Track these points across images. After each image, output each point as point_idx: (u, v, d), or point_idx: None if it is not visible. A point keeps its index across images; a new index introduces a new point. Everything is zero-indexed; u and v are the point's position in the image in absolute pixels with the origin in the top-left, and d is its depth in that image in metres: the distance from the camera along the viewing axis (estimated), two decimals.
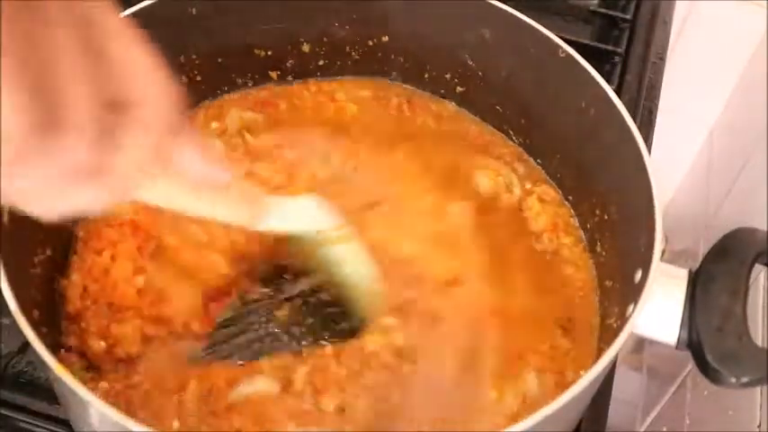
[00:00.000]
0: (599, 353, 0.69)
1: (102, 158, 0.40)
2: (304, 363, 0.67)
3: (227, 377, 0.66)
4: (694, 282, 0.62)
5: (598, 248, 0.76)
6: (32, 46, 0.35)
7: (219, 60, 0.84)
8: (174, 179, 0.50)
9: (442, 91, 0.88)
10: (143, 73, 0.41)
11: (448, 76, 0.86)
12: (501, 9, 0.78)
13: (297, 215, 0.66)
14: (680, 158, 1.40)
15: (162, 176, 0.49)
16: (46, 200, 0.41)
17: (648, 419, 1.20)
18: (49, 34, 0.36)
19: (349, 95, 0.88)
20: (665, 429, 1.14)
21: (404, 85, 0.89)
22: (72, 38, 0.37)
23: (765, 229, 0.64)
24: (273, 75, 0.88)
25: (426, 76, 0.87)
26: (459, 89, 0.86)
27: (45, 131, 0.36)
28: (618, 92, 0.93)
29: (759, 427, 0.80)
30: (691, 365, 1.05)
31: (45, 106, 0.36)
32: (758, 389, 0.81)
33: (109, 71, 0.39)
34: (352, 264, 0.70)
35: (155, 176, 0.47)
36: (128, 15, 0.73)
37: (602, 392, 0.72)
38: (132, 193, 0.46)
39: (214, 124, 0.84)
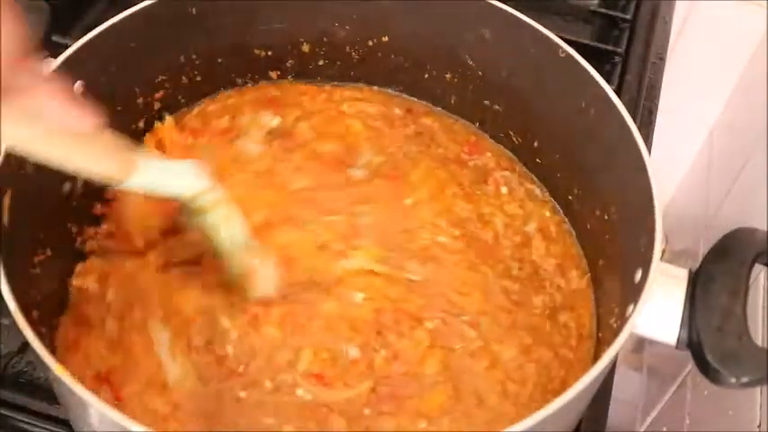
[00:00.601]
0: (599, 353, 0.70)
1: None
2: None
3: None
4: (694, 282, 0.62)
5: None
6: None
7: (219, 60, 0.85)
8: (28, 121, 0.50)
9: (441, 91, 0.88)
10: None
11: (448, 76, 0.86)
12: (501, 9, 0.78)
13: (166, 176, 0.65)
14: (680, 158, 1.40)
15: (10, 116, 0.49)
16: None
17: (648, 419, 1.20)
18: None
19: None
20: (665, 429, 1.14)
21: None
22: None
23: (765, 229, 0.64)
24: (273, 75, 0.88)
25: (426, 75, 0.87)
26: (458, 89, 0.86)
27: None
28: (618, 92, 0.93)
29: (759, 427, 0.80)
30: (691, 365, 1.05)
31: None
32: (758, 389, 0.81)
33: None
34: (225, 227, 0.69)
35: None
36: (128, 16, 0.74)
37: (602, 392, 0.72)
38: None
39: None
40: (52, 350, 0.64)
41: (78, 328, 0.70)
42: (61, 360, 0.63)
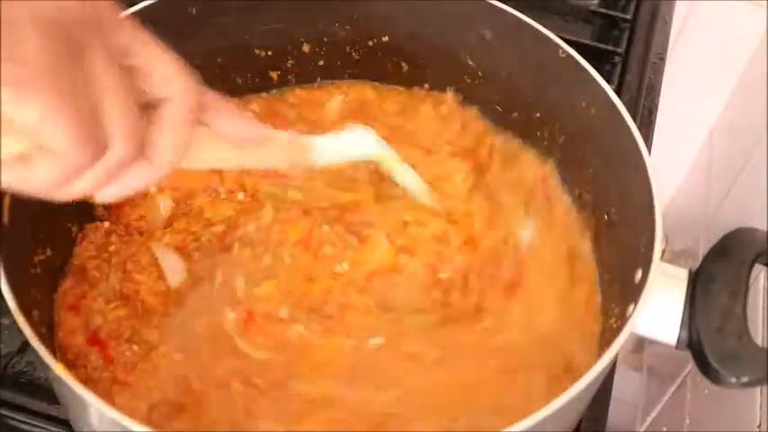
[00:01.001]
0: (599, 353, 0.69)
1: (143, 151, 0.48)
2: None
3: None
4: (694, 282, 0.62)
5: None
6: (74, 84, 0.41)
7: (219, 60, 0.84)
8: (217, 142, 0.56)
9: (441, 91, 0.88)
10: (166, 74, 0.48)
11: (448, 75, 0.86)
12: (501, 9, 0.77)
13: (345, 147, 0.70)
14: (680, 158, 1.40)
15: (204, 143, 0.54)
16: (104, 190, 0.47)
17: (648, 419, 1.20)
18: (87, 69, 0.42)
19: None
20: (665, 429, 1.14)
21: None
22: (104, 64, 0.43)
23: (765, 229, 0.64)
24: (274, 75, 0.88)
25: (426, 75, 0.87)
26: (458, 89, 0.86)
27: (96, 152, 0.43)
28: (618, 92, 0.93)
29: (759, 427, 0.80)
30: (691, 365, 1.05)
31: (94, 131, 0.43)
32: (758, 389, 0.81)
33: (139, 81, 0.47)
34: (402, 182, 0.75)
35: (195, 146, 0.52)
36: (128, 16, 0.74)
37: (602, 392, 0.72)
38: (178, 164, 0.51)
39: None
40: (52, 349, 0.64)
41: (79, 288, 0.71)
42: (59, 322, 0.66)
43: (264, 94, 0.89)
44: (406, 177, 0.75)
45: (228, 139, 0.56)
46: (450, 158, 0.82)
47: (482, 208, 0.79)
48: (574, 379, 0.55)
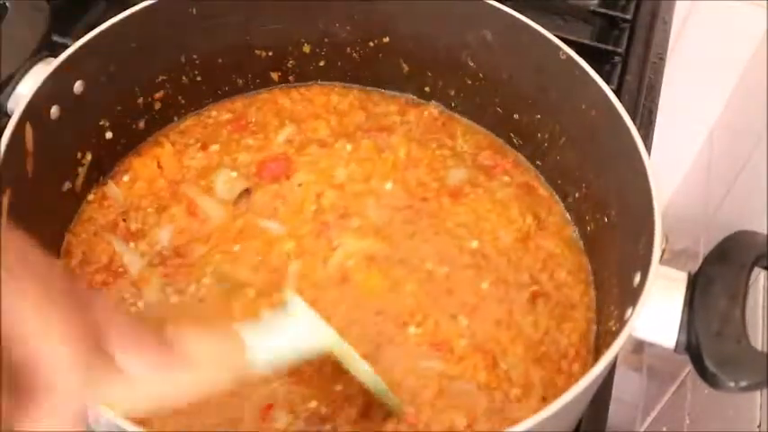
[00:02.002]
0: (598, 355, 0.70)
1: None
2: None
3: None
4: (693, 285, 0.61)
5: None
6: None
7: (220, 60, 0.84)
8: (130, 385, 0.46)
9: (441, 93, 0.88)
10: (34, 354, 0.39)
11: (448, 77, 0.86)
12: (500, 10, 0.77)
13: (285, 333, 0.56)
14: (680, 158, 1.40)
15: (117, 388, 0.45)
16: None
17: (648, 419, 1.20)
18: None
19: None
20: (665, 429, 1.14)
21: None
22: None
23: (765, 229, 0.64)
24: (275, 75, 0.88)
25: (426, 76, 0.87)
26: (459, 90, 0.86)
27: None
28: (618, 92, 0.93)
29: (759, 427, 0.80)
30: (691, 366, 1.04)
31: None
32: None
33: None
34: (354, 369, 0.62)
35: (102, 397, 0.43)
36: (128, 16, 0.74)
37: (602, 392, 0.72)
38: (86, 415, 0.43)
39: None
40: None
41: None
42: None
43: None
44: (362, 373, 0.61)
45: (146, 380, 0.45)
46: None
47: None
48: None
